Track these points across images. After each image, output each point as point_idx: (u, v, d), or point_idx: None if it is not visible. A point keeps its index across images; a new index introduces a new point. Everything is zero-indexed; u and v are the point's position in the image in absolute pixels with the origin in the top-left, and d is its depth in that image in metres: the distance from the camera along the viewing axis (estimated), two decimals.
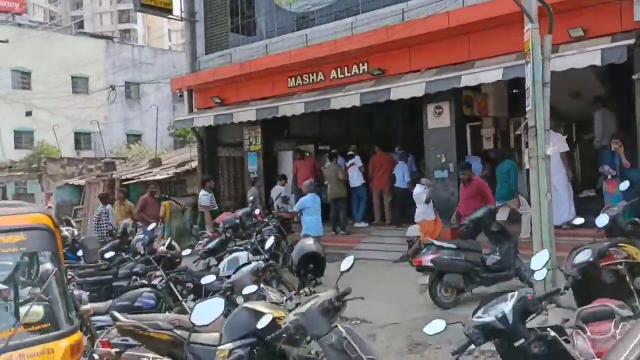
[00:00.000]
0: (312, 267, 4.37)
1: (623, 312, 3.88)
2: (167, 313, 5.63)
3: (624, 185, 7.13)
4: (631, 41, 8.18)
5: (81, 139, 33.49)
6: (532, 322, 3.14)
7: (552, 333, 2.99)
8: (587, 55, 8.41)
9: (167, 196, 10.61)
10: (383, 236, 11.31)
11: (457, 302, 7.07)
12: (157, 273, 6.68)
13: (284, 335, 3.45)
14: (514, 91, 12.26)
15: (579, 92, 11.59)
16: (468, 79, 9.65)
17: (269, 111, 12.70)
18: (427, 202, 9.13)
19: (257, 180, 13.20)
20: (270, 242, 5.72)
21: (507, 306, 3.03)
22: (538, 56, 6.49)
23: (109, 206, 12.02)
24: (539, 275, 4.61)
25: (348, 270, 3.66)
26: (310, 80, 12.72)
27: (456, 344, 3.02)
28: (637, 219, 6.21)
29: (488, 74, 9.42)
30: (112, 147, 30.69)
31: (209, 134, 15.12)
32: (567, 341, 3.16)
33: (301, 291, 4.40)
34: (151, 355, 4.11)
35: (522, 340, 2.98)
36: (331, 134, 15.45)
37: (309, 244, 4.45)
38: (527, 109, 6.66)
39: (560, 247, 6.74)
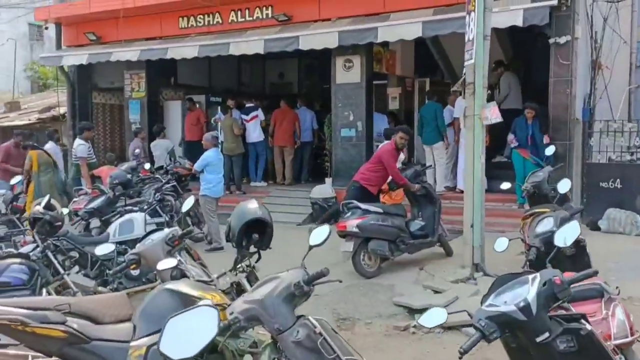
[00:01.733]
0: (257, 237, 3.45)
1: (611, 290, 3.49)
2: (44, 292, 4.42)
3: (550, 150, 6.94)
4: (554, 2, 7.96)
5: None
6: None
7: (588, 327, 2.42)
8: (509, 14, 8.09)
9: (35, 145, 8.88)
10: (284, 197, 10.53)
11: (379, 271, 6.51)
12: (27, 239, 5.37)
13: (231, 329, 2.54)
14: None
15: None
16: (385, 32, 9.00)
17: (156, 52, 11.22)
18: None
19: (140, 131, 11.69)
20: (189, 203, 4.65)
21: (529, 292, 2.40)
22: (481, 6, 5.95)
23: None
24: (500, 246, 4.13)
25: (321, 244, 2.84)
26: (206, 22, 11.41)
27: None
28: None
29: (407, 29, 8.83)
30: None
31: (82, 76, 13.17)
32: None
33: (238, 267, 3.49)
34: (31, 354, 3.02)
35: (546, 335, 2.37)
36: (222, 85, 14.24)
37: (252, 208, 3.54)
38: (465, 63, 6.14)
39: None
